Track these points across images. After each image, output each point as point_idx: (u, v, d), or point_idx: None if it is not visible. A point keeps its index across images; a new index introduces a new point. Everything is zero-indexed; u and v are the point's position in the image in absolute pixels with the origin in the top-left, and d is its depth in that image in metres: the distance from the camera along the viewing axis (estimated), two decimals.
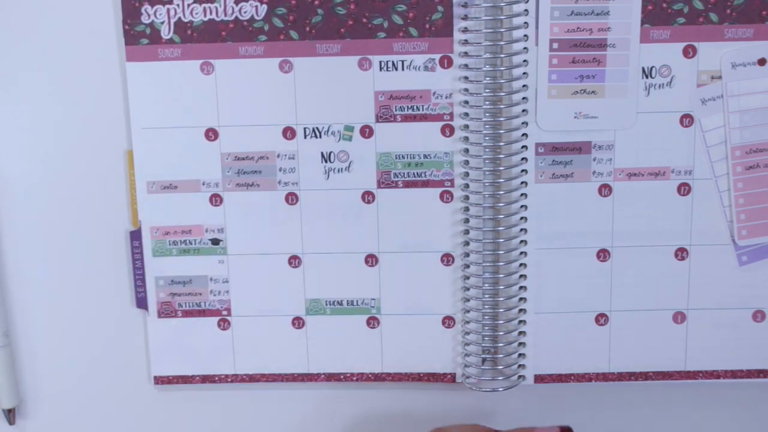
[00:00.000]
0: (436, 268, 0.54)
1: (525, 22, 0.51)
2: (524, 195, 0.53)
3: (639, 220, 0.53)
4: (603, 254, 0.54)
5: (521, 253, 0.53)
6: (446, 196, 0.53)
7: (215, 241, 0.55)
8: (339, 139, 0.53)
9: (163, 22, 0.52)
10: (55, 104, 0.54)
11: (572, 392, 0.56)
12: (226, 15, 0.52)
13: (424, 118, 0.53)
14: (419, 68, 0.52)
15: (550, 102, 0.52)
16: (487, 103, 0.52)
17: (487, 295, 0.54)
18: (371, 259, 0.54)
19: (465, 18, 0.51)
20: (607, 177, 0.53)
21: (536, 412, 0.57)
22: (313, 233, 0.54)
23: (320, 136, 0.53)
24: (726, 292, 0.54)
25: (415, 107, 0.53)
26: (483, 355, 0.55)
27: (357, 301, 0.55)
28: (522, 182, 0.53)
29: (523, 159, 0.53)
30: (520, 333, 0.54)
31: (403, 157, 0.53)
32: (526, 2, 0.51)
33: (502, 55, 0.51)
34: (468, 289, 0.54)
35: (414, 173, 0.53)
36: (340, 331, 0.55)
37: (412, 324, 0.55)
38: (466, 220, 0.53)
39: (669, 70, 0.51)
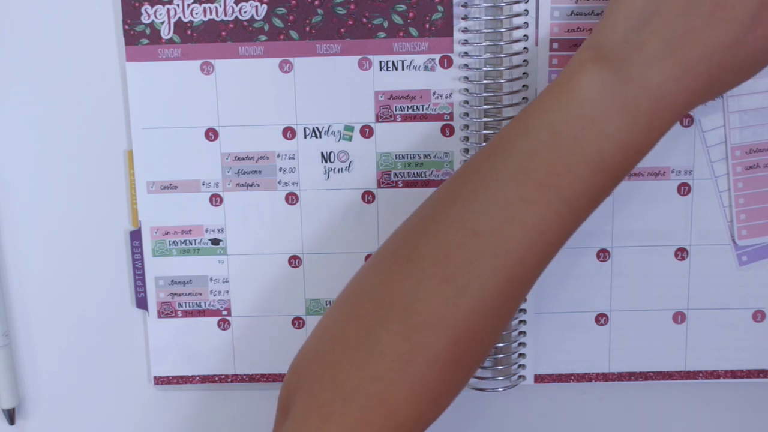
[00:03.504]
0: None
1: (525, 22, 0.51)
2: None
3: (639, 220, 0.53)
4: (603, 254, 0.54)
5: None
6: None
7: (215, 241, 0.55)
8: (339, 139, 0.53)
9: (163, 22, 0.52)
10: (55, 104, 0.54)
11: (572, 392, 0.56)
12: (226, 15, 0.52)
13: (424, 118, 0.53)
14: (419, 68, 0.52)
15: None
16: (487, 103, 0.52)
17: None
18: None
19: (465, 18, 0.51)
20: None
21: (536, 412, 0.57)
22: (313, 233, 0.54)
23: (320, 136, 0.53)
24: (726, 292, 0.54)
25: (415, 107, 0.53)
26: None
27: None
28: None
29: None
30: (520, 333, 0.54)
31: (403, 157, 0.53)
32: (526, 2, 0.51)
33: (502, 55, 0.51)
34: None
35: (414, 173, 0.53)
36: None
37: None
38: None
39: None
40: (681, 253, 0.54)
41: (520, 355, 0.55)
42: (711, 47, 0.40)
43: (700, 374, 0.55)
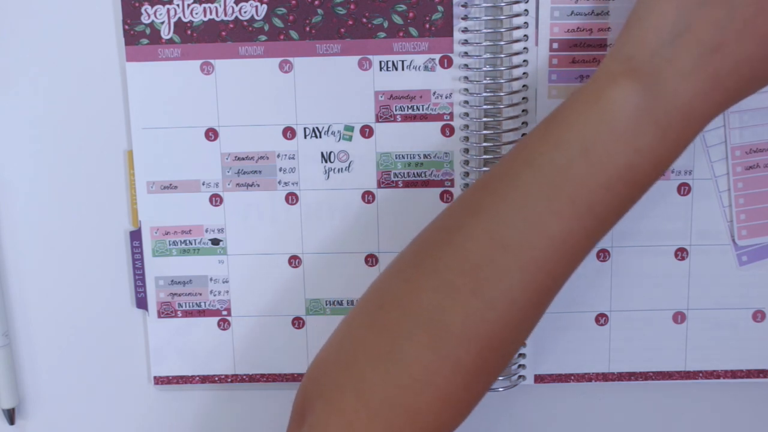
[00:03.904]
0: None
1: (525, 22, 0.51)
2: None
3: (639, 220, 0.53)
4: (603, 254, 0.54)
5: None
6: (446, 196, 0.53)
7: (215, 241, 0.55)
8: (339, 139, 0.53)
9: (163, 22, 0.52)
10: (55, 104, 0.54)
11: (572, 392, 0.56)
12: (226, 15, 0.52)
13: (424, 118, 0.53)
14: (419, 68, 0.52)
15: (550, 102, 0.52)
16: (487, 103, 0.52)
17: None
18: (371, 259, 0.54)
19: (465, 18, 0.51)
20: None
21: (536, 412, 0.57)
22: (313, 233, 0.54)
23: (320, 136, 0.53)
24: (726, 292, 0.54)
25: (415, 107, 0.53)
26: None
27: (357, 301, 0.55)
28: None
29: None
30: None
31: (403, 157, 0.53)
32: (526, 2, 0.51)
33: (502, 55, 0.51)
34: None
35: (414, 173, 0.53)
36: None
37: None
38: None
39: None
40: (681, 253, 0.54)
41: (520, 355, 0.55)
42: (742, 61, 0.40)
43: (700, 374, 0.55)
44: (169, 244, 0.55)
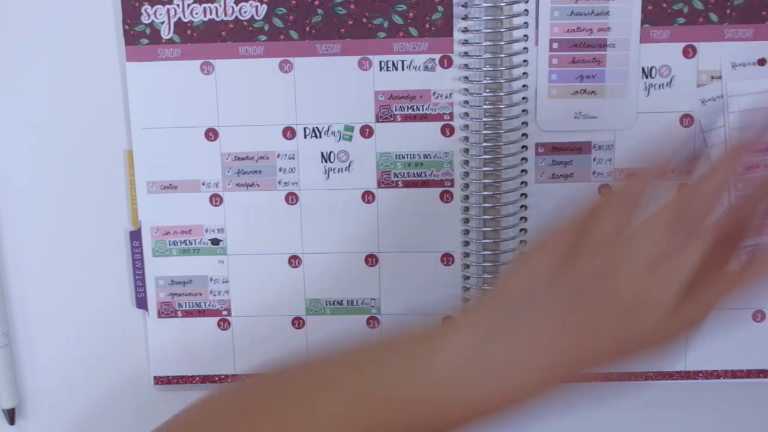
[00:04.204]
0: (436, 268, 0.54)
1: (525, 22, 0.51)
2: (524, 195, 0.53)
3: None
4: None
5: None
6: (446, 196, 0.53)
7: (215, 241, 0.55)
8: (339, 139, 0.53)
9: (163, 22, 0.52)
10: (55, 104, 0.54)
11: (572, 392, 0.56)
12: (226, 15, 0.52)
13: (424, 118, 0.53)
14: (419, 68, 0.52)
15: (550, 102, 0.52)
16: (487, 103, 0.52)
17: None
18: (371, 259, 0.54)
19: (465, 18, 0.51)
20: (607, 177, 0.53)
21: (535, 412, 0.57)
22: (313, 233, 0.54)
23: (320, 136, 0.53)
24: None
25: (415, 107, 0.53)
26: None
27: (357, 301, 0.55)
28: (522, 182, 0.53)
29: (523, 159, 0.53)
30: None
31: (403, 157, 0.53)
32: (526, 2, 0.51)
33: (502, 55, 0.51)
34: (468, 288, 0.54)
35: (414, 173, 0.53)
36: (340, 331, 0.55)
37: (413, 324, 0.55)
38: (466, 220, 0.53)
39: (669, 70, 0.52)
40: None
41: None
42: (574, 355, 0.40)
43: (700, 374, 0.55)
44: (169, 244, 0.55)
